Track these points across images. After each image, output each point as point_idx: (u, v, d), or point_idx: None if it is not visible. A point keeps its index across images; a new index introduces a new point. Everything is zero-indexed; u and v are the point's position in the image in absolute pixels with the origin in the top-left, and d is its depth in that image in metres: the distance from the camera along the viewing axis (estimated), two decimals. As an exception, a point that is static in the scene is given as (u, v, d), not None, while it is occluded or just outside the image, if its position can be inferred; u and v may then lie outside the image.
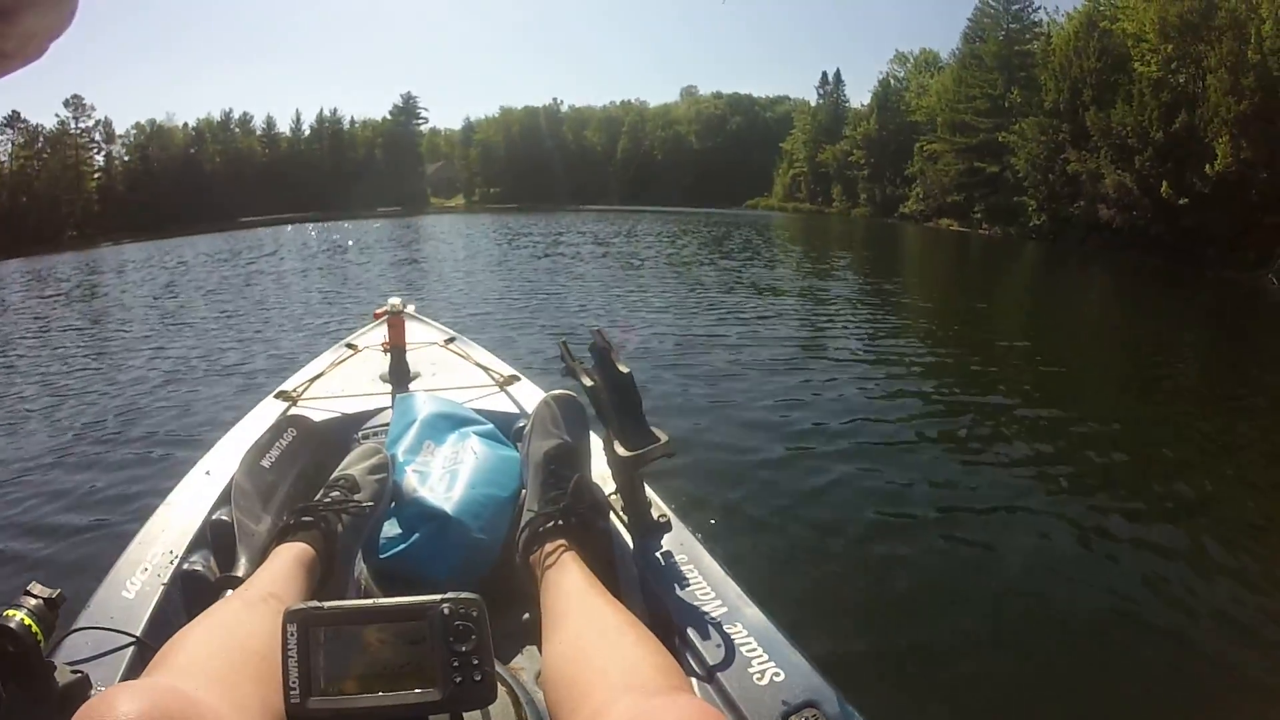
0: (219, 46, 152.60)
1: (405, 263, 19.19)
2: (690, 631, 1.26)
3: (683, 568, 1.43)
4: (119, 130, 66.61)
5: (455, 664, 0.92)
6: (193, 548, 1.50)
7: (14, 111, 60.81)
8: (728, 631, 1.24)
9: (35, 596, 0.99)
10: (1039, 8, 42.11)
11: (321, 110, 77.37)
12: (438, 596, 0.95)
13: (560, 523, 1.36)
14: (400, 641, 0.92)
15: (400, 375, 2.58)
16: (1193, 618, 3.07)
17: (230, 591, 1.28)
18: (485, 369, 2.65)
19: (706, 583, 1.39)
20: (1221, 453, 5.33)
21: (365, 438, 2.06)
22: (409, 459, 1.73)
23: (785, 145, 67.79)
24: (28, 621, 0.95)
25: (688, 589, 1.37)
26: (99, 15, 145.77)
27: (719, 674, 1.16)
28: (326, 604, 0.96)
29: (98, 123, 64.24)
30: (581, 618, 1.12)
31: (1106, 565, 3.53)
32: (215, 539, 1.55)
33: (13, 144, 59.78)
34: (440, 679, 0.91)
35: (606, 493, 1.63)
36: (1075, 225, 32.54)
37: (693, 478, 4.15)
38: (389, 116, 77.98)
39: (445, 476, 1.66)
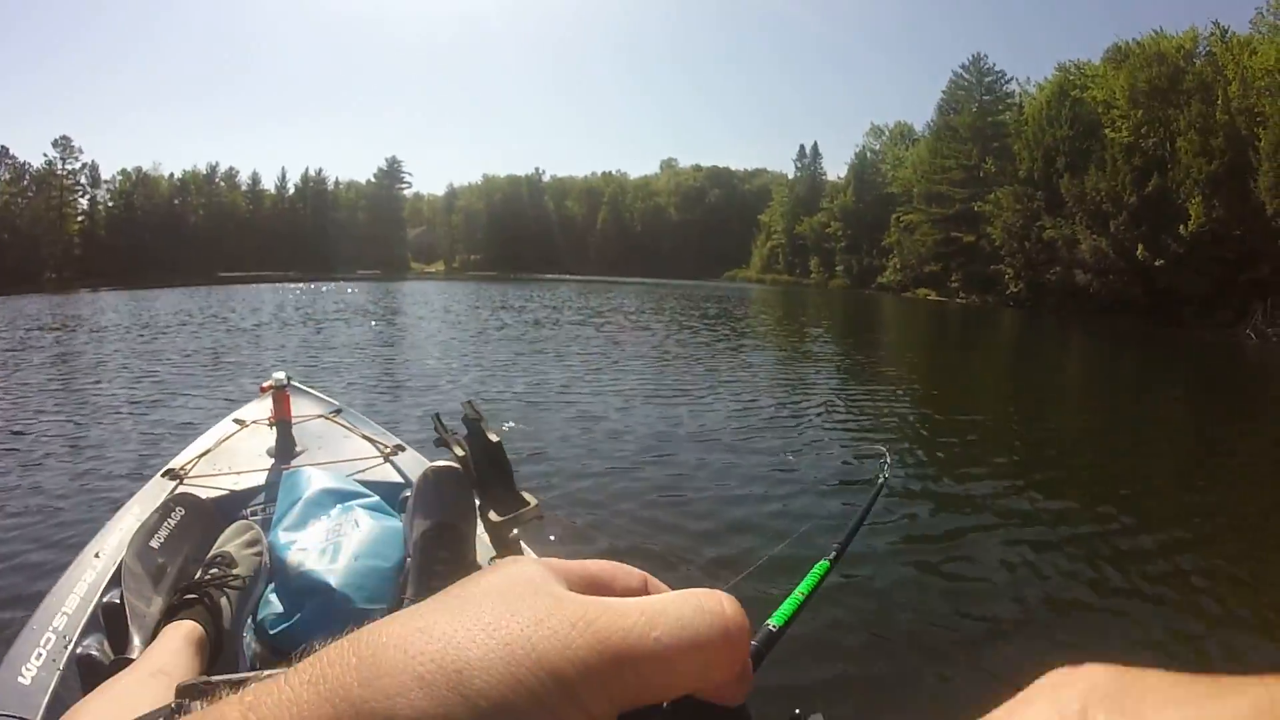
0: (209, 99, 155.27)
1: (378, 333, 17.26)
2: None
3: None
4: (105, 175, 67.03)
5: None
6: (86, 631, 1.50)
7: (2, 146, 60.80)
8: None
9: None
10: (1011, 79, 43.51)
11: (307, 169, 77.92)
12: None
13: None
14: None
15: (286, 450, 2.59)
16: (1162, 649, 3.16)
17: None
18: (370, 440, 2.69)
19: None
20: (1208, 507, 5.25)
21: (253, 514, 2.11)
22: (293, 535, 1.75)
23: (763, 217, 68.88)
24: None
25: None
26: (92, 60, 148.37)
27: None
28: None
29: (85, 166, 64.65)
30: None
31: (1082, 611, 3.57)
32: (108, 622, 1.53)
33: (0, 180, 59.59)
34: None
35: (490, 557, 1.69)
36: (1052, 291, 32.77)
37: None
38: (373, 179, 78.72)
39: (329, 550, 1.68)
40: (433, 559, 1.51)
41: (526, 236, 78.68)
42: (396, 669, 0.24)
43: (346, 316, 19.86)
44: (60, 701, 1.29)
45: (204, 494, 2.05)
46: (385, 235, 75.14)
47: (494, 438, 1.63)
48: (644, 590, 0.32)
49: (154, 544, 1.62)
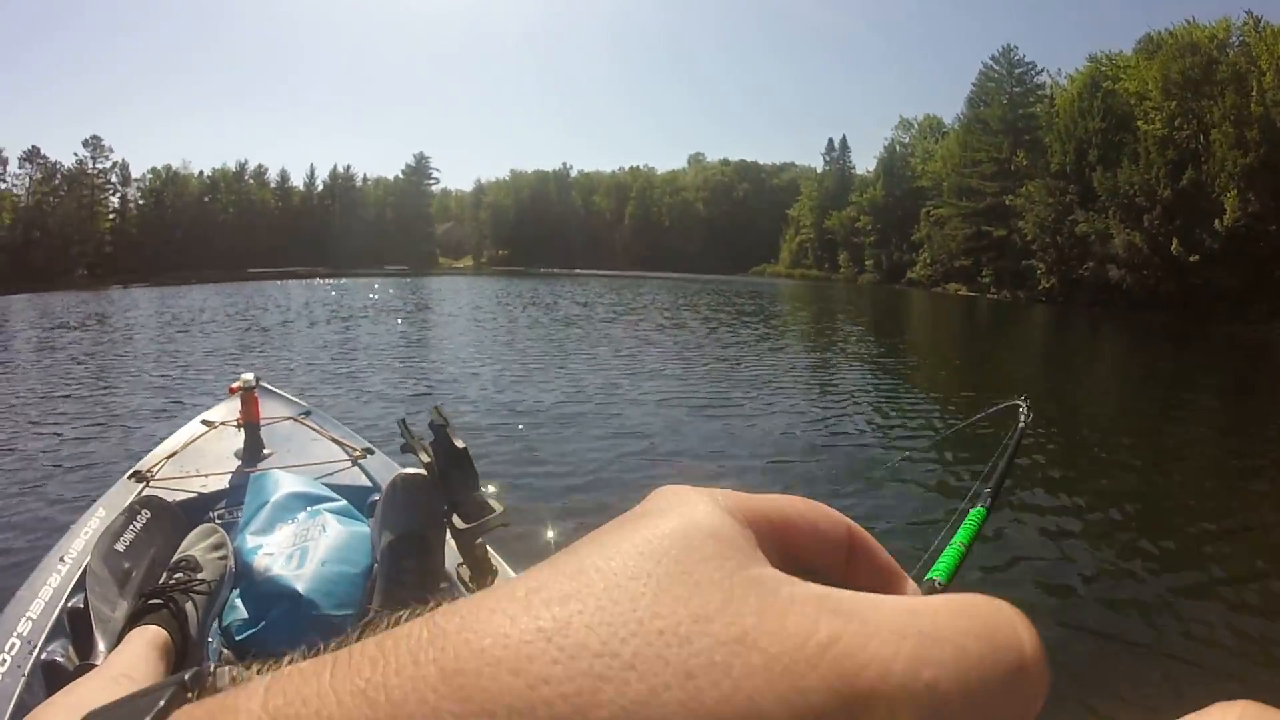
0: (237, 99, 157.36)
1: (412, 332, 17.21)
2: None
3: None
4: (135, 174, 68.51)
5: None
6: (51, 637, 1.48)
7: (34, 147, 62.45)
8: None
9: None
10: (1042, 70, 42.79)
11: (335, 166, 78.90)
12: None
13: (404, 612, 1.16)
14: None
15: (254, 452, 2.57)
16: (1195, 653, 3.13)
17: None
18: (339, 443, 2.66)
19: None
20: (1236, 508, 5.17)
21: (220, 517, 2.08)
22: (261, 539, 1.73)
23: (792, 212, 68.37)
24: None
25: None
26: (121, 58, 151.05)
27: None
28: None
29: (115, 164, 66.07)
30: None
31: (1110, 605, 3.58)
32: (73, 627, 1.52)
33: (30, 179, 61.45)
34: None
35: (457, 563, 1.68)
36: (1084, 287, 32.20)
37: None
38: (401, 175, 79.17)
39: (296, 555, 1.67)
40: (399, 568, 1.51)
41: (554, 232, 78.75)
42: (506, 702, 0.16)
43: (373, 314, 19.44)
44: (25, 708, 1.27)
45: (171, 496, 2.05)
46: (413, 231, 75.69)
47: (460, 444, 1.61)
48: (848, 548, 0.24)
49: (119, 547, 1.60)
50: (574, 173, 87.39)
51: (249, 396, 2.67)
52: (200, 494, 2.24)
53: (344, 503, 2.01)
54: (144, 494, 2.05)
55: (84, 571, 1.59)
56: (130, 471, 2.35)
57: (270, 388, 3.15)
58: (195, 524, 1.90)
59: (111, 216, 66.33)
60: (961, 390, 10.00)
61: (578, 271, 61.38)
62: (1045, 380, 12.05)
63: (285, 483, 1.99)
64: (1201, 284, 25.67)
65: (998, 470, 1.57)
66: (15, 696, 1.30)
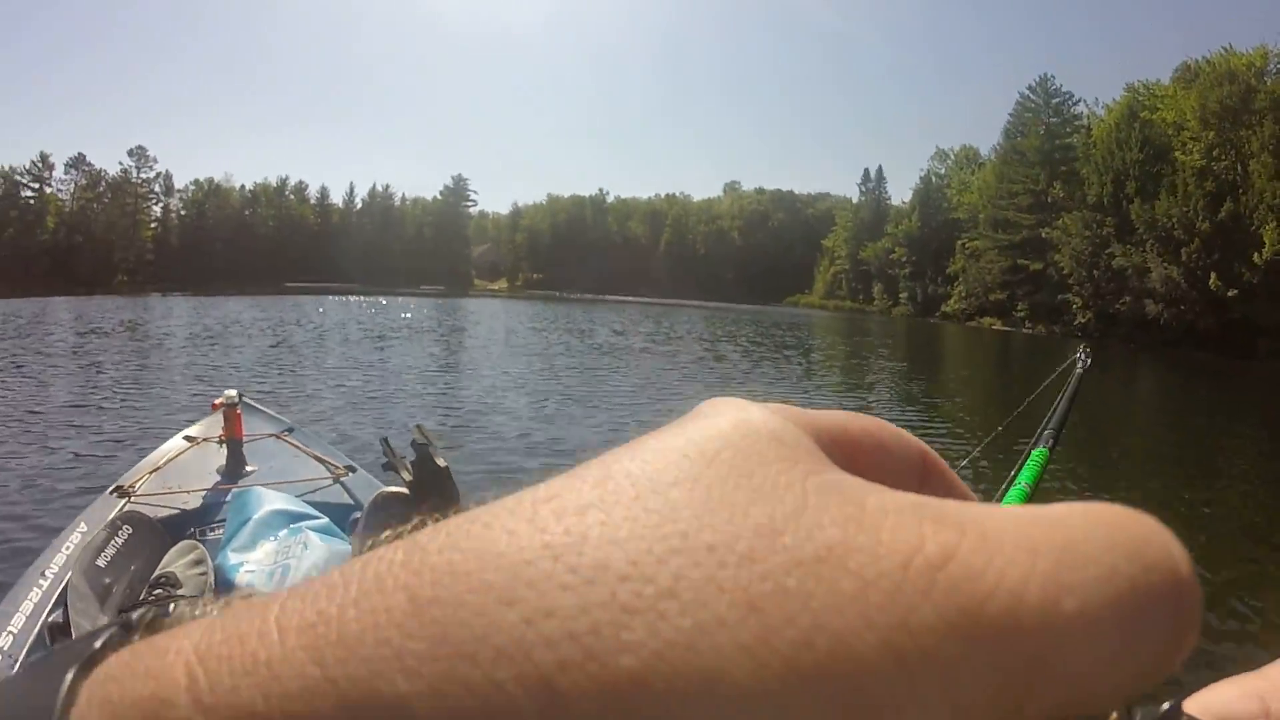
0: (280, 114, 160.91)
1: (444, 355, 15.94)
2: None
3: None
4: (178, 184, 70.29)
5: None
6: (32, 651, 1.48)
7: (79, 154, 64.56)
8: None
9: None
10: (1079, 101, 42.20)
11: (374, 185, 79.89)
12: None
13: None
14: None
15: (236, 468, 2.60)
16: None
17: None
18: (322, 460, 2.67)
19: None
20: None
21: (202, 533, 2.10)
22: (243, 556, 1.75)
23: (827, 242, 67.97)
24: None
25: None
26: (166, 73, 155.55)
27: None
28: None
29: (159, 174, 67.84)
30: None
31: None
32: (54, 641, 1.52)
33: (75, 185, 63.67)
34: None
35: None
36: (1121, 322, 31.49)
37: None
38: (439, 196, 79.98)
39: (278, 572, 1.68)
40: None
41: (589, 257, 79.09)
42: (495, 642, 0.11)
43: (407, 335, 19.02)
44: None
45: (152, 512, 2.10)
46: (450, 252, 76.35)
47: (441, 462, 1.64)
48: (922, 471, 0.19)
49: (100, 563, 1.64)
50: (610, 198, 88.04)
51: (231, 413, 2.71)
52: (182, 510, 2.27)
53: (325, 520, 2.03)
54: (125, 510, 2.08)
55: (65, 586, 1.61)
56: (113, 487, 2.36)
57: (253, 404, 3.18)
58: (177, 539, 1.97)
59: (154, 225, 68.29)
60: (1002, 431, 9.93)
61: (611, 298, 61.48)
62: (1085, 425, 11.39)
63: (267, 499, 2.01)
64: (1240, 319, 24.86)
65: (1059, 413, 1.55)
66: None
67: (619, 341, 18.53)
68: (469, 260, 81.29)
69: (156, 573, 1.61)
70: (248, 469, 2.62)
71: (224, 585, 1.64)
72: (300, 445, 2.88)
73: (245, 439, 2.76)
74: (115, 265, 60.93)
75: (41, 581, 1.72)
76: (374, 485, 2.41)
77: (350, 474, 2.56)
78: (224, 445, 2.78)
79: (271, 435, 2.98)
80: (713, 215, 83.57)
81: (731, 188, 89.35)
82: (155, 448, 2.91)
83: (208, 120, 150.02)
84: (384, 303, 37.65)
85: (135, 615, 0.19)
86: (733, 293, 69.19)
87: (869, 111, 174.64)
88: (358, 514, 2.17)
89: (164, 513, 2.19)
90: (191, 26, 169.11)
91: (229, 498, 2.21)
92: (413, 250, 74.61)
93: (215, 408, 2.97)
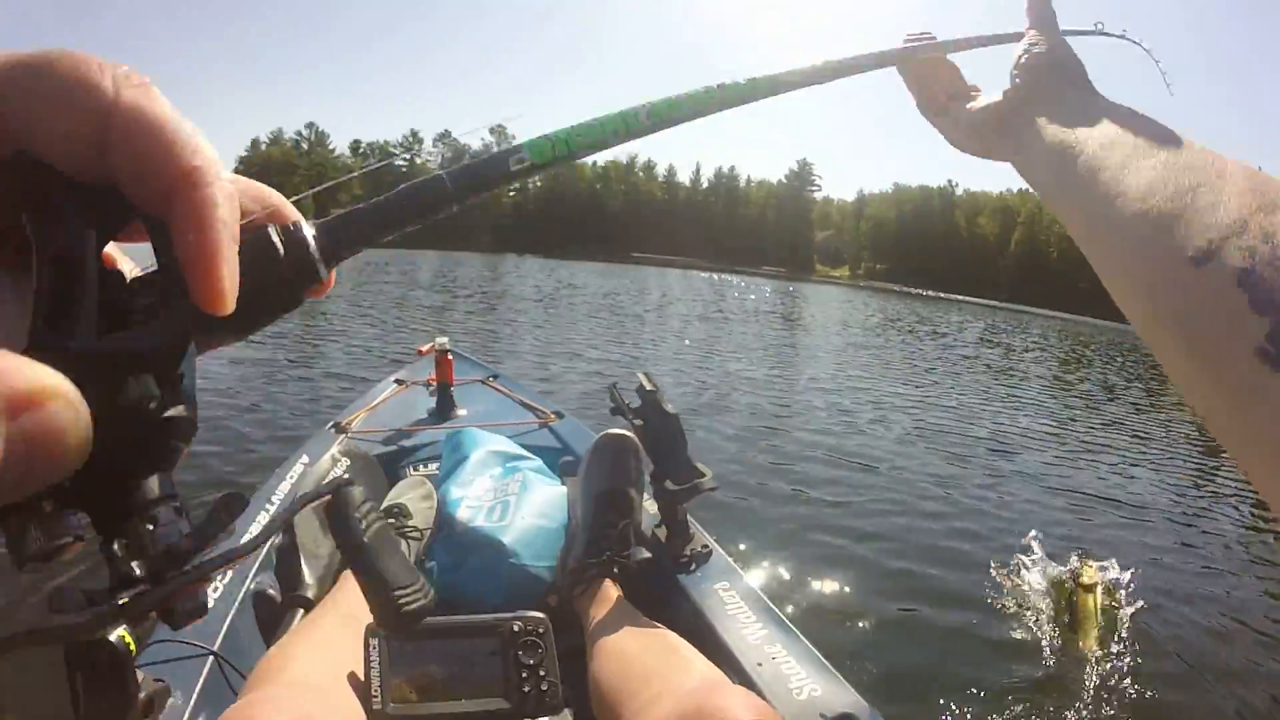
0: (628, 94, 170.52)
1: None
2: (731, 652, 1.31)
3: (724, 594, 1.49)
4: None
5: (524, 675, 1.01)
6: (259, 570, 1.55)
7: (445, 130, 75.40)
8: (767, 651, 1.30)
9: None
10: None
11: (720, 166, 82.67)
12: (508, 615, 1.06)
13: (606, 564, 1.48)
14: (474, 655, 1.02)
15: (445, 410, 2.68)
16: None
17: (301, 611, 1.44)
18: (528, 406, 2.74)
19: (747, 607, 1.44)
20: None
21: (413, 468, 2.17)
22: (463, 492, 1.78)
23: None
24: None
25: (728, 613, 1.42)
26: (519, 58, 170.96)
27: (759, 688, 1.20)
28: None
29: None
30: (625, 637, 1.21)
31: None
32: (280, 561, 1.60)
33: (442, 156, 73.54)
34: (510, 689, 1.01)
35: (653, 525, 1.71)
36: None
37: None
38: (784, 180, 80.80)
39: (498, 508, 1.73)
40: (602, 522, 1.56)
41: (933, 251, 76.44)
42: None
43: (746, 317, 17.91)
44: (236, 632, 1.36)
45: (367, 448, 2.19)
46: (792, 235, 77.10)
47: (670, 409, 1.61)
48: None
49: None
50: (959, 190, 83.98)
51: (442, 358, 2.73)
52: (394, 447, 2.34)
53: (539, 461, 2.05)
54: (344, 443, 2.17)
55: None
56: (331, 423, 2.45)
57: (460, 352, 3.16)
58: (390, 474, 2.10)
59: (512, 194, 76.33)
60: None
61: (953, 296, 59.44)
62: None
63: (483, 440, 2.03)
64: None
65: None
66: (228, 621, 1.36)
67: (984, 354, 15.08)
68: (811, 245, 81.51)
69: (387, 502, 1.68)
70: (457, 412, 2.67)
71: (444, 519, 1.70)
72: (506, 391, 2.94)
73: (453, 384, 2.78)
74: (478, 227, 70.04)
75: (268, 507, 1.79)
76: (582, 431, 2.45)
77: (558, 419, 2.56)
78: (432, 389, 2.84)
79: (478, 380, 3.05)
80: (1071, 217, 77.23)
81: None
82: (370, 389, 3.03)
83: (556, 101, 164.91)
84: (723, 280, 38.15)
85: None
86: (1087, 305, 63.86)
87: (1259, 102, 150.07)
88: (567, 457, 2.22)
89: (378, 449, 2.27)
90: (540, 22, 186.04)
91: (439, 437, 2.27)
92: (756, 231, 76.25)
93: (422, 353, 3.10)
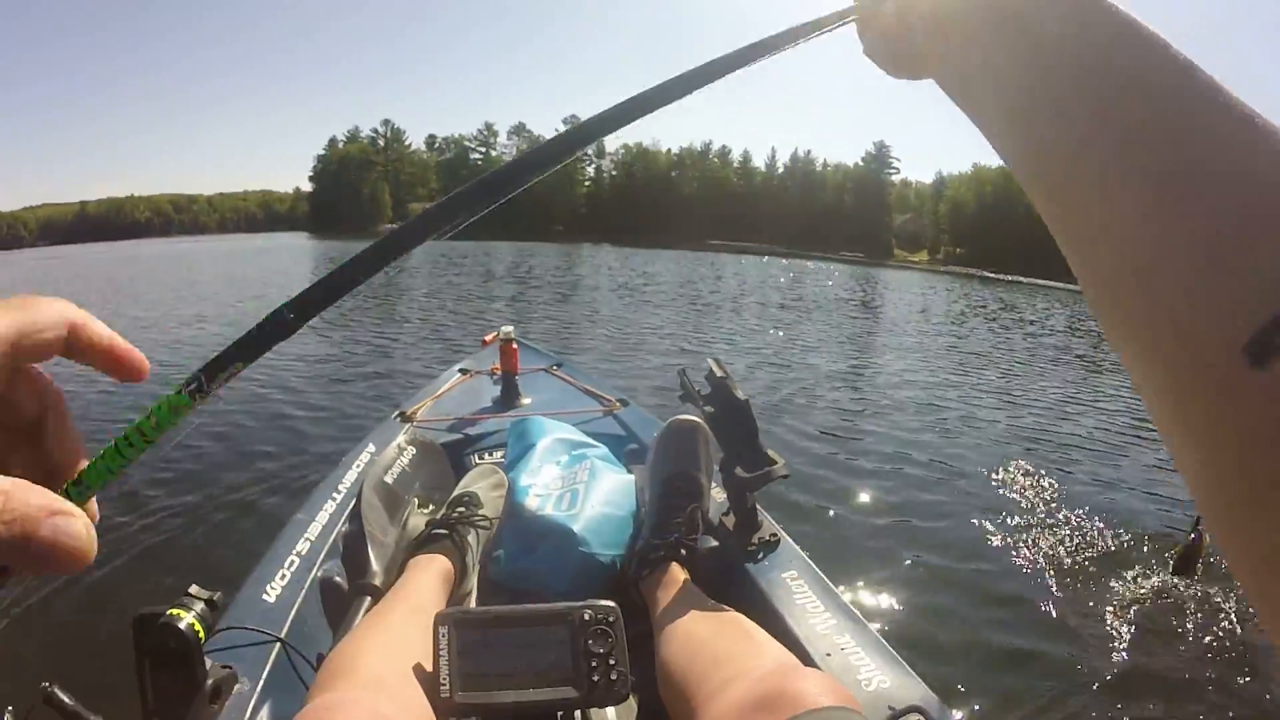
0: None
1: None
2: (799, 641, 1.28)
3: (792, 584, 1.45)
4: (609, 148, 79.84)
5: (593, 664, 1.00)
6: (326, 557, 1.56)
7: (520, 122, 77.57)
8: (836, 642, 1.27)
9: (197, 598, 1.04)
10: None
11: (795, 150, 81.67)
12: (579, 603, 1.04)
13: (674, 547, 1.46)
14: (543, 643, 1.01)
15: (510, 399, 2.68)
16: None
17: (368, 599, 1.41)
18: (593, 394, 2.71)
19: (815, 597, 1.41)
20: None
21: (478, 456, 2.17)
22: (531, 480, 1.77)
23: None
24: (195, 624, 1.00)
25: (796, 603, 1.39)
26: (592, 53, 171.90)
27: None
28: (476, 608, 1.07)
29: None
30: (694, 621, 1.18)
31: None
32: (346, 548, 1.62)
33: (517, 148, 75.46)
34: (579, 678, 0.99)
35: (721, 512, 1.69)
36: None
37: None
38: (860, 163, 79.13)
39: (566, 495, 1.71)
40: (671, 505, 1.54)
41: (1015, 234, 74.00)
42: None
43: (825, 306, 17.09)
44: (302, 619, 1.36)
45: (433, 437, 2.19)
46: (870, 219, 75.25)
47: (741, 395, 1.57)
48: None
49: (388, 479, 1.74)
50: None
51: (507, 347, 2.74)
52: (459, 435, 2.34)
53: (605, 449, 2.03)
54: (409, 432, 2.16)
55: (357, 499, 1.70)
56: (396, 412, 2.47)
57: (524, 340, 3.15)
58: (456, 462, 2.11)
59: (587, 184, 79.06)
60: None
61: (1037, 281, 57.84)
62: None
63: (549, 428, 2.03)
64: None
65: None
66: (295, 608, 1.36)
67: (1059, 341, 13.75)
68: (889, 229, 79.43)
69: (458, 491, 1.67)
70: (522, 400, 2.67)
71: (513, 506, 1.69)
72: (570, 379, 2.92)
73: (517, 373, 2.79)
74: (553, 217, 71.44)
75: (335, 494, 1.80)
76: (647, 419, 2.42)
77: (623, 407, 2.54)
78: (496, 378, 2.85)
79: (542, 369, 3.04)
80: (1162, 198, 74.26)
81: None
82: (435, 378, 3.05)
83: (631, 92, 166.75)
84: (801, 266, 37.57)
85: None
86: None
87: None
88: (632, 445, 2.20)
89: (443, 438, 2.27)
90: (607, 12, 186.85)
91: (505, 426, 2.25)
92: (833, 216, 75.04)
93: (486, 343, 3.14)
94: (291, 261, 28.93)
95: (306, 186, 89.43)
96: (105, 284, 18.80)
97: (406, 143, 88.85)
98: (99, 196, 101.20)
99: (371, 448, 2.10)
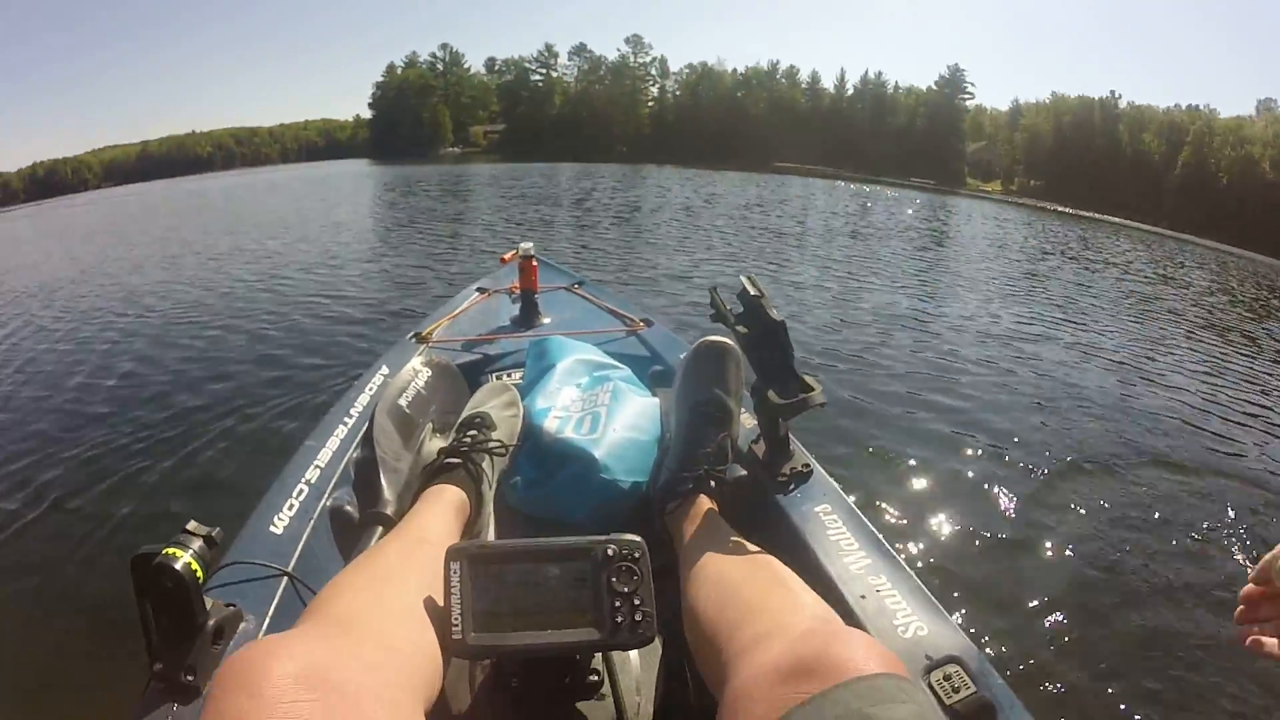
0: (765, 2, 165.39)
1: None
2: (834, 581, 1.20)
3: (825, 518, 1.37)
4: (673, 68, 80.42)
5: (617, 604, 0.92)
6: (337, 485, 1.49)
7: (581, 43, 78.58)
8: (871, 583, 1.19)
9: (195, 535, 0.99)
10: None
11: (866, 71, 79.14)
12: (602, 537, 0.95)
13: (703, 478, 1.37)
14: (563, 580, 0.93)
15: (529, 318, 2.59)
16: None
17: (380, 528, 1.37)
18: (615, 313, 2.60)
19: (849, 533, 1.32)
20: None
21: (497, 377, 2.07)
22: (549, 402, 1.71)
23: None
24: (192, 564, 0.95)
25: (830, 539, 1.31)
26: None
27: (861, 623, 1.12)
28: (490, 542, 0.99)
29: (654, 59, 79.71)
30: (726, 563, 1.10)
31: None
32: (358, 475, 1.55)
33: (579, 69, 78.09)
34: (602, 618, 0.91)
35: (751, 440, 1.60)
36: None
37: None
38: (934, 87, 76.27)
39: (587, 419, 1.64)
40: (701, 433, 1.45)
41: (1093, 168, 72.75)
42: None
43: (896, 234, 16.22)
44: (311, 551, 1.30)
45: (449, 357, 2.11)
46: (942, 146, 72.65)
47: (776, 316, 1.44)
48: None
49: (402, 403, 1.67)
50: (1122, 104, 78.86)
51: (526, 264, 2.64)
52: (481, 355, 2.27)
53: (628, 371, 1.96)
54: (425, 353, 2.07)
55: (370, 424, 1.63)
56: (411, 333, 2.38)
57: (543, 258, 3.04)
58: (473, 383, 2.02)
59: (650, 104, 78.75)
60: None
61: (1113, 219, 57.28)
62: None
63: (569, 348, 1.96)
64: None
65: None
66: (303, 539, 1.31)
67: (1147, 289, 12.48)
68: (962, 157, 76.57)
69: (469, 411, 1.55)
70: (542, 320, 2.59)
71: (530, 429, 1.60)
72: (592, 298, 2.83)
73: (537, 291, 2.70)
74: (615, 138, 72.11)
75: (347, 419, 1.72)
76: (672, 339, 2.34)
77: (647, 327, 2.44)
78: (515, 297, 2.77)
79: (563, 288, 2.95)
80: (1241, 139, 70.93)
81: (1266, 107, 76.11)
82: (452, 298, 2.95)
83: (697, 9, 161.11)
84: (870, 192, 36.02)
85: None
86: (1255, 238, 60.70)
87: None
88: (657, 367, 2.12)
89: (460, 358, 2.21)
90: None
91: (524, 345, 2.18)
92: (904, 141, 72.58)
93: (505, 261, 2.98)
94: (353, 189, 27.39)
95: (366, 114, 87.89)
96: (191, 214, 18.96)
97: (466, 66, 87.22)
98: (160, 135, 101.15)
99: (385, 370, 2.03)
